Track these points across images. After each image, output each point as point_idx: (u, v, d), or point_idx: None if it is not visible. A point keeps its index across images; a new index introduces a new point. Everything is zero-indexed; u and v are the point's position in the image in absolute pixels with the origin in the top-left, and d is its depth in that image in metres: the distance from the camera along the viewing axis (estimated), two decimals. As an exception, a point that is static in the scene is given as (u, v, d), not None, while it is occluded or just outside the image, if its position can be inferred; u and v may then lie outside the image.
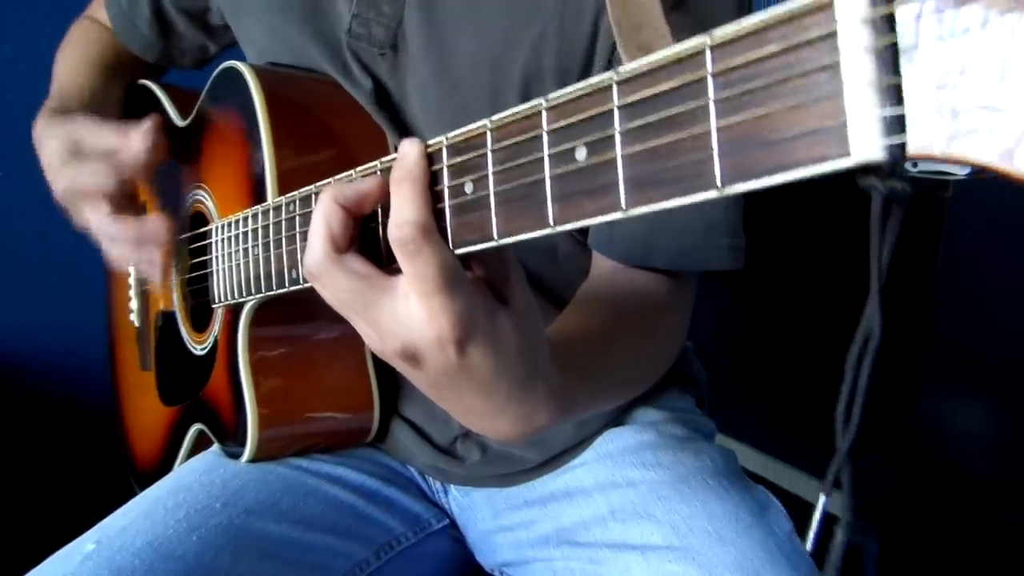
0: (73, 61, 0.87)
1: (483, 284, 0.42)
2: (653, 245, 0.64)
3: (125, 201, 0.71)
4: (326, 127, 0.70)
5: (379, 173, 0.43)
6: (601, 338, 0.57)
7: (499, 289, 0.42)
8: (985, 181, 1.32)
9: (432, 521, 0.78)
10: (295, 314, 0.70)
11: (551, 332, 0.54)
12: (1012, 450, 1.54)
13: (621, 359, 0.58)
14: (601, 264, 0.67)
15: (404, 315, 0.40)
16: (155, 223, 0.70)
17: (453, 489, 0.79)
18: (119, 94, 0.89)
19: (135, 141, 0.68)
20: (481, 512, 0.78)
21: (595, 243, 0.67)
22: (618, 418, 0.76)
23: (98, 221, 0.71)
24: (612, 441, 0.74)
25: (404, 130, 0.69)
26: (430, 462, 0.76)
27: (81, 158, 0.70)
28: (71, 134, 0.72)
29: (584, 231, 0.68)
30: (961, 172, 1.27)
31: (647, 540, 0.64)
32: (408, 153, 0.40)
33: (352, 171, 0.46)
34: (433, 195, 0.40)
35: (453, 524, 0.80)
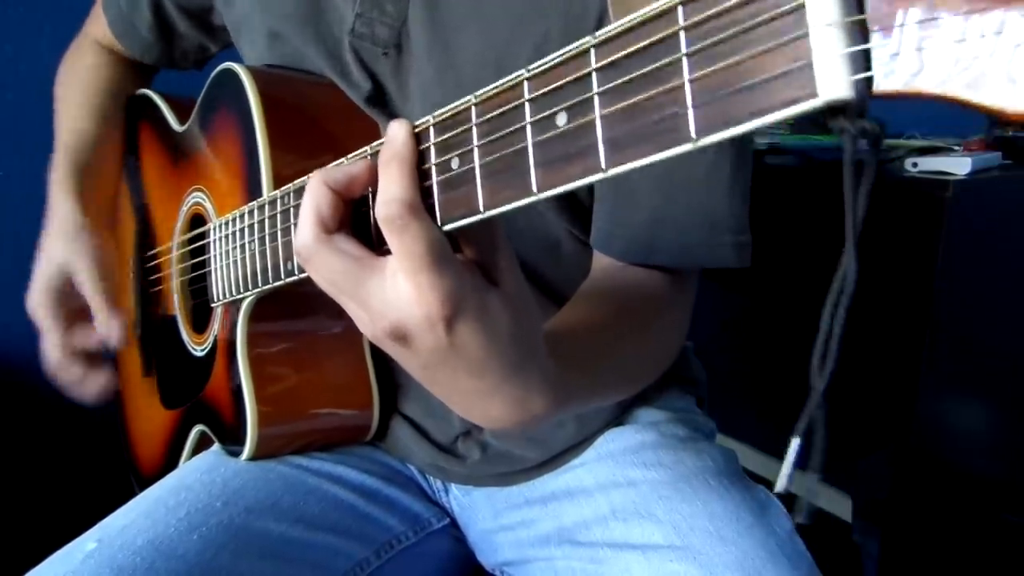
0: (74, 99, 0.88)
1: (472, 264, 0.41)
2: (655, 243, 0.64)
3: (80, 351, 0.78)
4: (322, 128, 0.70)
5: (369, 158, 0.44)
6: (600, 331, 0.57)
7: (489, 270, 0.42)
8: (985, 181, 1.32)
9: (432, 520, 0.78)
10: (293, 310, 0.70)
11: (551, 325, 0.54)
12: (1012, 450, 1.54)
13: (620, 352, 0.58)
14: (602, 261, 0.67)
15: (393, 294, 0.40)
16: (99, 383, 0.79)
17: (454, 488, 0.79)
18: (121, 123, 0.90)
19: (111, 327, 0.75)
20: (482, 511, 0.78)
21: (596, 241, 0.67)
22: (619, 418, 0.76)
23: (50, 353, 0.78)
24: (613, 441, 0.74)
25: None
26: (430, 460, 0.76)
27: (63, 302, 0.77)
28: (71, 260, 0.77)
29: (587, 229, 0.68)
30: (961, 172, 1.28)
31: (648, 539, 0.64)
32: (396, 134, 0.40)
33: (343, 158, 0.47)
34: (421, 174, 0.40)
35: (454, 523, 0.80)
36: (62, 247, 0.77)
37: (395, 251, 0.39)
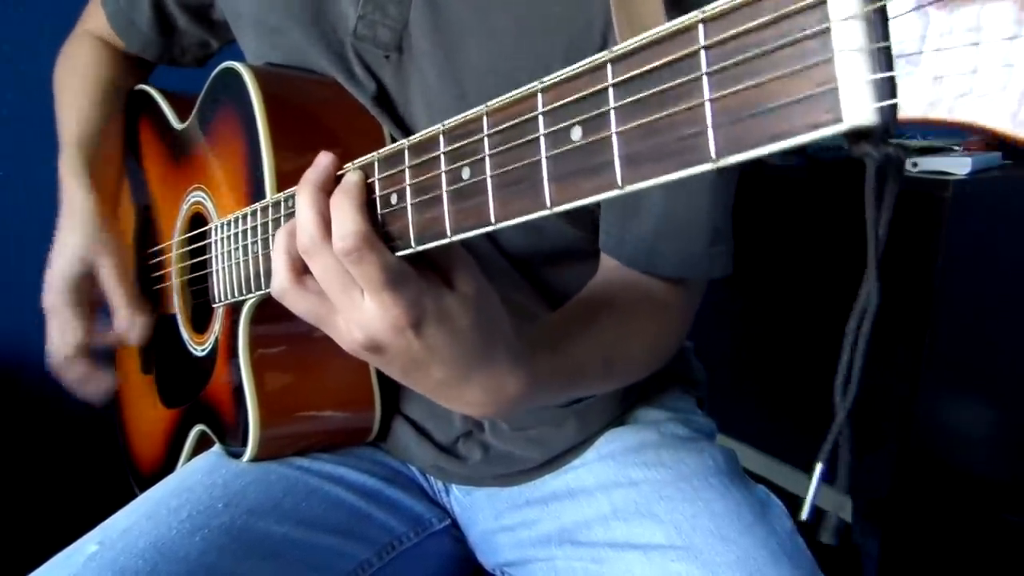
0: (77, 89, 0.87)
1: (429, 273, 0.45)
2: (657, 252, 0.65)
3: (90, 351, 0.78)
4: (325, 127, 0.70)
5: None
6: (580, 319, 0.60)
7: (446, 276, 0.46)
8: (985, 181, 1.32)
9: (433, 521, 0.78)
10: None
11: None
12: (1012, 450, 1.54)
13: (599, 339, 0.60)
14: (608, 263, 0.68)
15: (365, 314, 0.44)
16: (106, 381, 0.79)
17: (455, 489, 0.79)
18: (121, 115, 0.90)
19: (132, 326, 0.76)
20: (483, 512, 0.78)
21: (606, 245, 0.68)
22: (619, 418, 0.76)
23: (59, 350, 0.76)
24: (614, 441, 0.74)
25: (407, 132, 0.69)
26: (431, 461, 0.76)
27: (83, 296, 0.76)
28: (96, 254, 0.76)
29: (580, 226, 0.69)
30: (961, 172, 1.28)
31: (650, 539, 0.64)
32: (346, 178, 0.45)
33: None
34: (431, 181, 0.41)
35: (455, 524, 0.80)
36: (84, 241, 0.76)
37: (356, 277, 0.44)
